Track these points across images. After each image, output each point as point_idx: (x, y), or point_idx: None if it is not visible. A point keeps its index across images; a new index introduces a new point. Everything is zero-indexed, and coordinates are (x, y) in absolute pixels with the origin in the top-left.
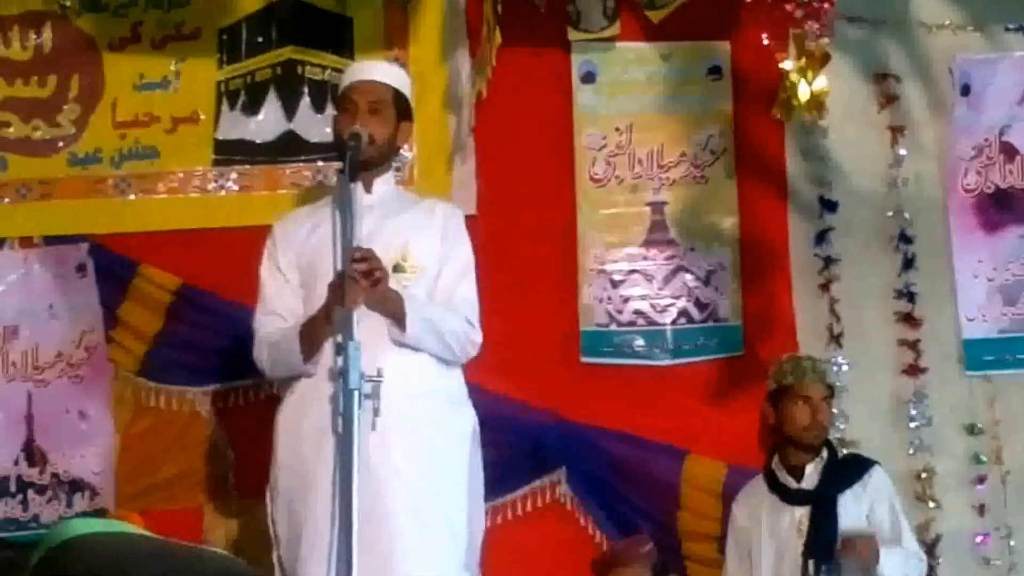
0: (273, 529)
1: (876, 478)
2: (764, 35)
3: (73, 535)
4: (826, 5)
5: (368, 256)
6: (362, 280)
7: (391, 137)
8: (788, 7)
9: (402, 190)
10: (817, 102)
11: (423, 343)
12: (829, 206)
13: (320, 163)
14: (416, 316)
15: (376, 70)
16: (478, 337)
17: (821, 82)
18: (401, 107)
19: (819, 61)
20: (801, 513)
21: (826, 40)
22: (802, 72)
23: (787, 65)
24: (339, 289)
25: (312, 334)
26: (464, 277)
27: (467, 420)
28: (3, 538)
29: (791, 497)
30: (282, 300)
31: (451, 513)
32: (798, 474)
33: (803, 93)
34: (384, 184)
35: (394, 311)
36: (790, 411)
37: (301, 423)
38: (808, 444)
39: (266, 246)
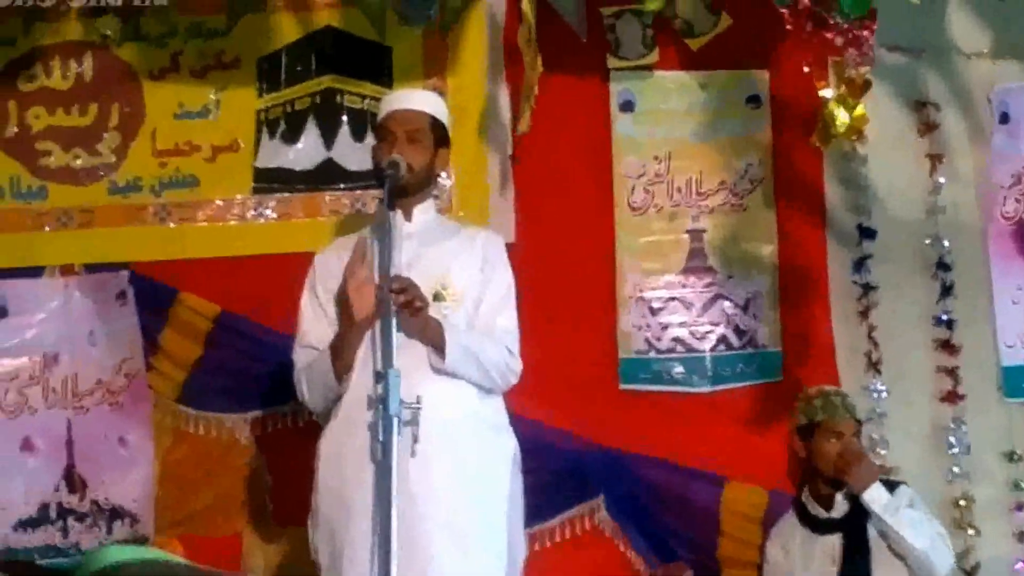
0: (316, 556)
1: (898, 493)
2: (804, 63)
3: (109, 563)
4: (866, 33)
5: (408, 286)
6: (402, 311)
7: (429, 164)
8: (828, 35)
9: (442, 218)
10: (856, 130)
11: (463, 372)
12: (868, 233)
13: (359, 191)
14: (456, 345)
15: (413, 98)
16: (518, 366)
17: (860, 110)
18: (439, 134)
19: (859, 89)
20: (833, 541)
21: (866, 68)
22: (842, 100)
23: (827, 93)
24: (347, 303)
25: (340, 349)
26: (504, 305)
27: (507, 446)
28: (43, 565)
29: (822, 527)
30: (319, 334)
31: (491, 539)
32: (827, 504)
33: (842, 121)
34: (424, 212)
35: (434, 339)
36: (823, 447)
37: (342, 450)
38: (843, 479)
39: (308, 277)
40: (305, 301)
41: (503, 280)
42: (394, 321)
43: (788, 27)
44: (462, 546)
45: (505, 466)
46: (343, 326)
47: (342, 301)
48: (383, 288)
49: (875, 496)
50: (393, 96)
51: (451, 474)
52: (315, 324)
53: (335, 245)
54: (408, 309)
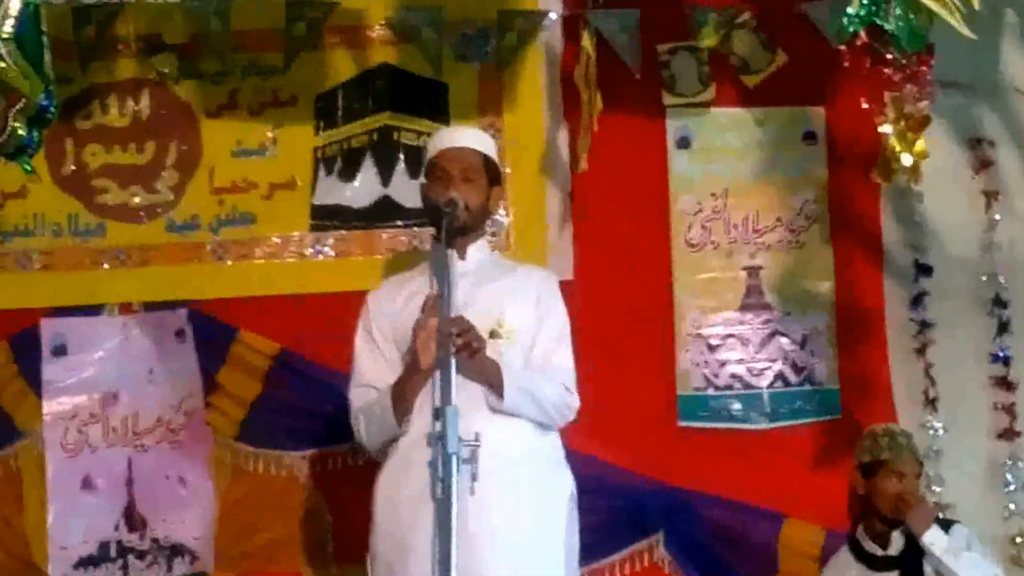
0: None
1: (955, 533)
2: (862, 99)
3: None
4: (924, 68)
5: (466, 328)
6: (461, 352)
7: (484, 203)
8: (886, 71)
9: (496, 256)
10: (916, 165)
11: (521, 411)
12: (924, 270)
13: (416, 228)
14: (514, 384)
15: (465, 136)
16: (575, 403)
17: (920, 145)
18: (491, 173)
19: (919, 124)
20: None
21: (925, 103)
22: (901, 135)
23: (886, 129)
24: (414, 352)
25: (402, 393)
26: (560, 343)
27: (565, 484)
28: None
29: (879, 564)
30: (376, 373)
31: None
32: (884, 541)
33: (904, 156)
34: (478, 251)
35: (491, 380)
36: (884, 486)
37: (399, 488)
38: (900, 519)
39: (360, 317)
40: (360, 341)
41: (558, 317)
42: (452, 360)
43: (845, 63)
44: None
45: (562, 503)
46: (407, 372)
47: (409, 349)
48: (441, 329)
49: (934, 538)
50: (444, 134)
51: (510, 512)
52: (371, 363)
53: (387, 284)
54: (466, 351)
